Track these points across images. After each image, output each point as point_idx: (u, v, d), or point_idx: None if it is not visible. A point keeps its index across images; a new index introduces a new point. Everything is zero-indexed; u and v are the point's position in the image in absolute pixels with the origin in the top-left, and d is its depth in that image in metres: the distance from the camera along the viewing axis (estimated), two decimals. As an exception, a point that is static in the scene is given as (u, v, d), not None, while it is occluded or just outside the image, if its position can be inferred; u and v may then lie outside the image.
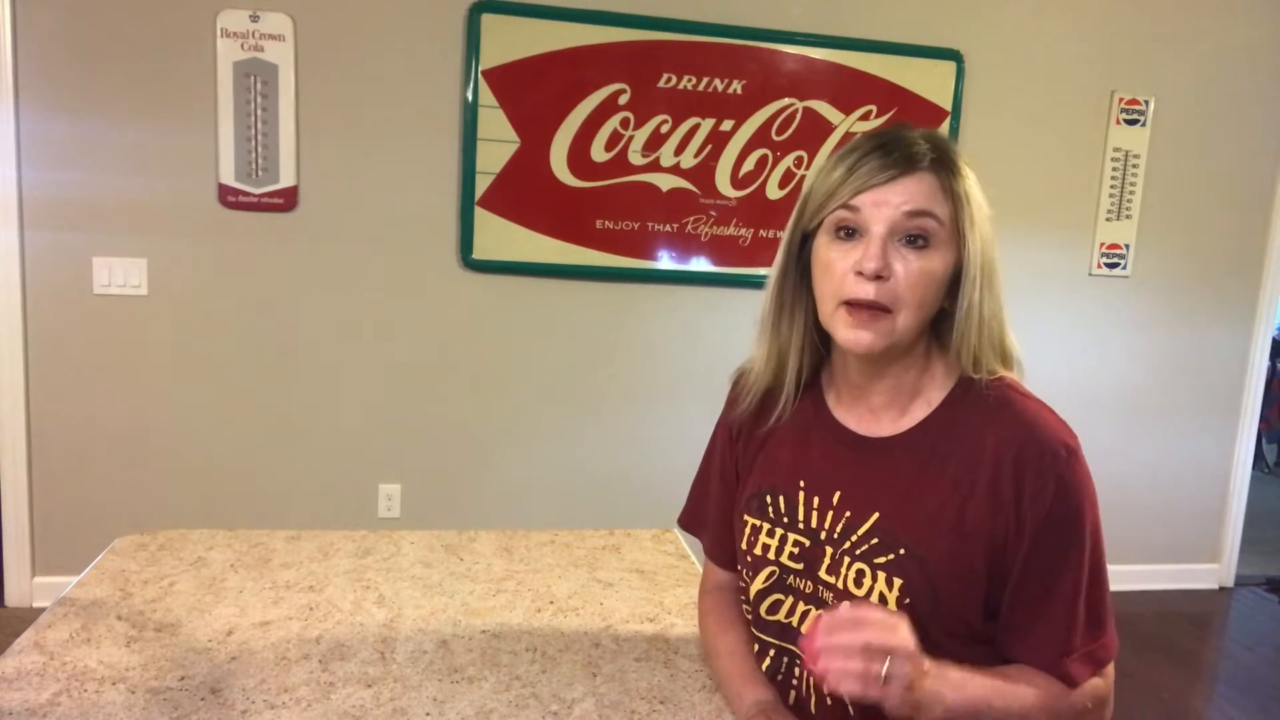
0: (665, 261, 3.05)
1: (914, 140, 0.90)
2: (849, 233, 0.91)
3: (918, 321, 0.91)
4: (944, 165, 0.90)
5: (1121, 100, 3.29)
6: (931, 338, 0.96)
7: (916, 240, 0.89)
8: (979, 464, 0.90)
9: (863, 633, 0.77)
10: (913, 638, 0.80)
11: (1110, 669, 0.94)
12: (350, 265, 2.89)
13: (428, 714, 0.99)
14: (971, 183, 0.91)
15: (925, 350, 0.96)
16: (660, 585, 1.39)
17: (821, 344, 1.00)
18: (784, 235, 0.98)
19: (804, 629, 0.97)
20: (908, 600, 0.90)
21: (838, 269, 0.90)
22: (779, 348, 1.00)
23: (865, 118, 3.09)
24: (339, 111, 2.81)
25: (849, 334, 0.90)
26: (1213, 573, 3.70)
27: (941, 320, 0.94)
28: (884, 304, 0.89)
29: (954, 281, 0.91)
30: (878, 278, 0.88)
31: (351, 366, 2.93)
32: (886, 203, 0.88)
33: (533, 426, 3.08)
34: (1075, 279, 3.39)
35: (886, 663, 0.77)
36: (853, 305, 0.90)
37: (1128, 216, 3.37)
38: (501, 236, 2.92)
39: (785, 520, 1.00)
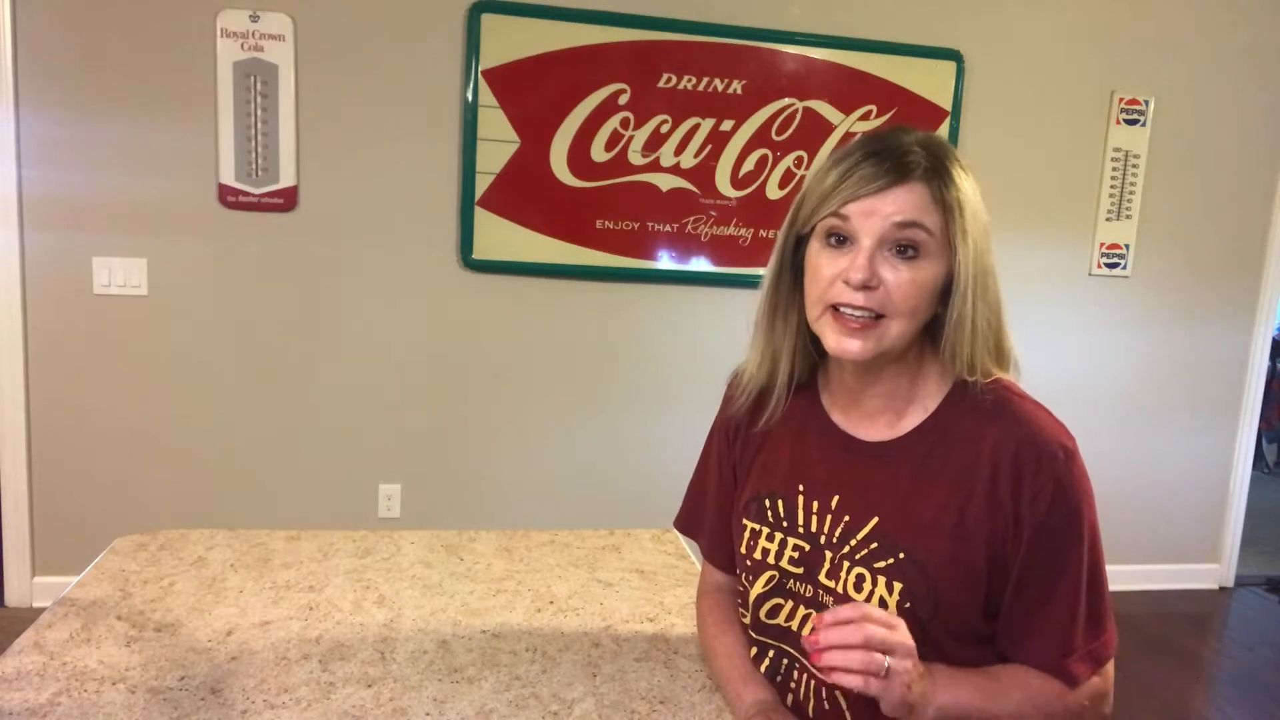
0: (665, 261, 3.05)
1: (908, 148, 0.89)
2: (840, 240, 0.90)
3: (909, 330, 0.90)
4: (937, 174, 0.88)
5: (1121, 100, 3.29)
6: (926, 342, 0.96)
7: (906, 250, 0.88)
8: (977, 467, 0.90)
9: (864, 627, 0.78)
10: (910, 638, 0.81)
11: (1110, 666, 0.94)
12: (350, 265, 2.89)
13: (428, 714, 0.99)
14: (965, 191, 0.89)
15: (919, 355, 0.96)
16: (660, 585, 1.39)
17: (814, 346, 1.00)
18: (778, 237, 0.98)
19: (805, 628, 0.98)
20: (908, 604, 0.90)
21: (826, 275, 0.90)
22: (773, 349, 1.00)
23: (865, 118, 3.09)
24: (339, 111, 2.81)
25: (837, 341, 0.90)
26: (1213, 573, 3.70)
27: (936, 325, 0.93)
28: (874, 309, 0.88)
29: (947, 289, 0.91)
30: (865, 288, 0.88)
31: (351, 366, 2.93)
32: (876, 213, 0.87)
33: (533, 426, 3.08)
34: (1075, 279, 3.39)
35: (888, 658, 0.78)
36: (842, 313, 0.89)
37: (1128, 216, 3.37)
38: (501, 236, 2.92)
39: (785, 525, 1.00)
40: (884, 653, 0.78)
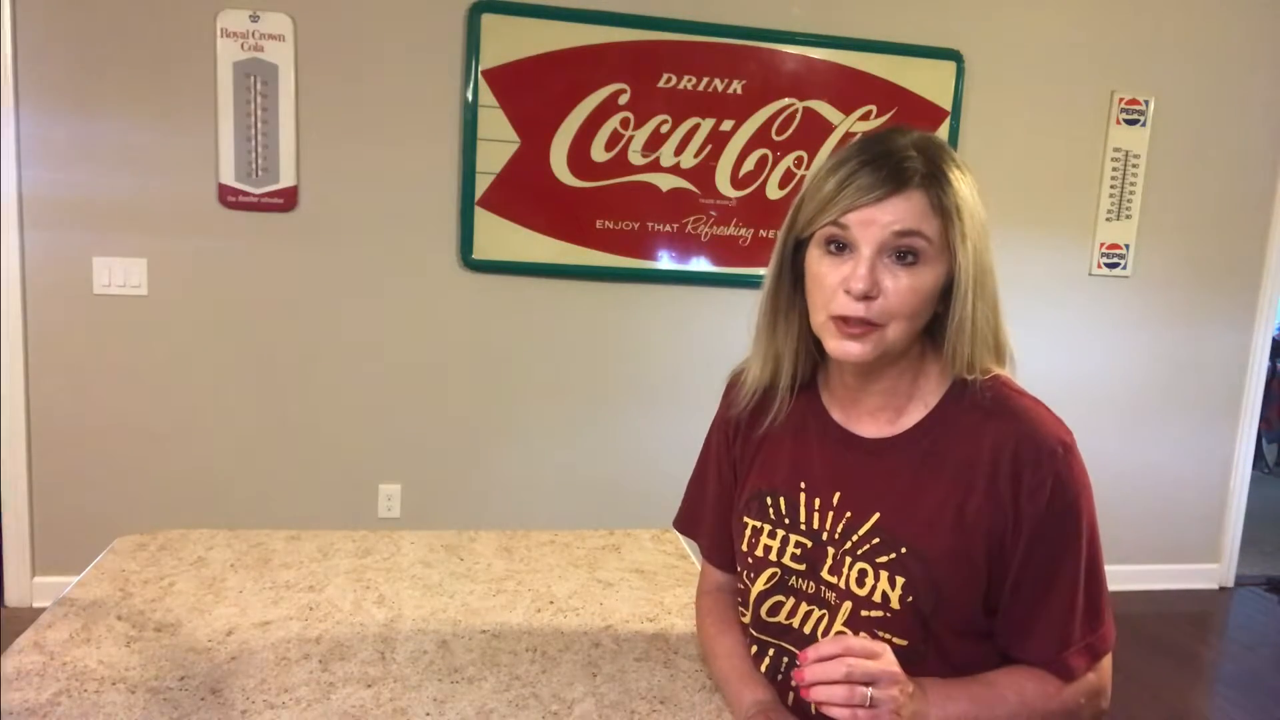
0: (665, 261, 3.05)
1: (905, 154, 0.89)
2: (839, 247, 0.91)
3: (909, 332, 0.91)
4: (935, 180, 0.88)
5: (1121, 100, 3.29)
6: (926, 341, 0.96)
7: (905, 257, 0.88)
8: (977, 462, 0.91)
9: (845, 661, 0.80)
10: (896, 663, 0.82)
11: (1107, 662, 0.95)
12: (350, 265, 2.89)
13: (428, 714, 0.99)
14: (963, 194, 0.89)
15: (920, 354, 0.96)
16: (660, 585, 1.39)
17: (815, 347, 1.00)
18: (777, 240, 0.98)
19: (807, 626, 0.98)
20: (911, 598, 0.90)
21: (828, 283, 0.91)
22: (775, 351, 1.01)
23: (865, 118, 3.09)
24: (339, 111, 2.80)
25: (838, 345, 0.91)
26: (1213, 573, 3.70)
27: (935, 323, 0.94)
28: (874, 319, 0.89)
29: (946, 288, 0.91)
30: (866, 297, 0.88)
31: (351, 366, 2.93)
32: (875, 222, 0.88)
33: (533, 427, 3.08)
34: (1075, 279, 3.39)
35: (870, 688, 0.80)
36: (842, 320, 0.90)
37: (1128, 216, 3.37)
38: (501, 236, 2.92)
39: (786, 522, 1.00)
40: (868, 683, 0.79)
